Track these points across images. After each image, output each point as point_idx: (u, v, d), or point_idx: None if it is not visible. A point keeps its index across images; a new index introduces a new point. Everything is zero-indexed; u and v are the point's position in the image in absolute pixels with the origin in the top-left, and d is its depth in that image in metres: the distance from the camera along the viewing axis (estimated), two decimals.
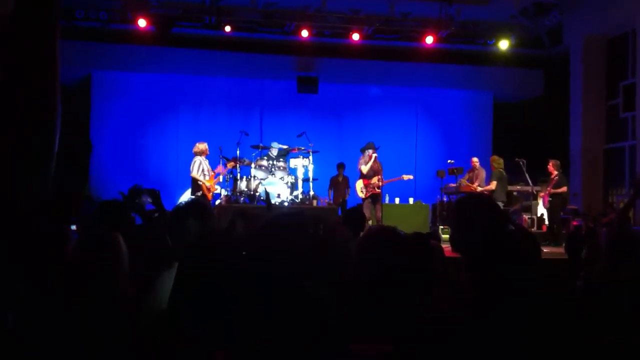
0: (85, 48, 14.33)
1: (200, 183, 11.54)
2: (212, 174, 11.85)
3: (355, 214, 6.37)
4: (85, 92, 15.03)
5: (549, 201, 11.25)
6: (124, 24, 13.91)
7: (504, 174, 11.36)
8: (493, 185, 11.19)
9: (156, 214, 5.00)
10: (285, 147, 12.38)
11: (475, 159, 12.04)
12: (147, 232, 4.46)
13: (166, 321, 2.85)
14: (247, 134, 12.64)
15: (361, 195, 11.35)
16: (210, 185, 11.68)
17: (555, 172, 11.24)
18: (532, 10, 14.15)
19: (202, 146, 11.81)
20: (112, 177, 14.28)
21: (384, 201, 12.32)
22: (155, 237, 3.82)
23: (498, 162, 11.46)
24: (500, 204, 10.76)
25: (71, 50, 14.01)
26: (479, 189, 11.48)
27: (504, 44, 14.42)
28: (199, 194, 11.31)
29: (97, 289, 2.66)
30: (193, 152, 11.83)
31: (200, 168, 11.57)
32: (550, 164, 11.30)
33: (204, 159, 11.77)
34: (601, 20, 13.29)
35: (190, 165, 11.70)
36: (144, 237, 4.28)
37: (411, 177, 11.46)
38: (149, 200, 5.19)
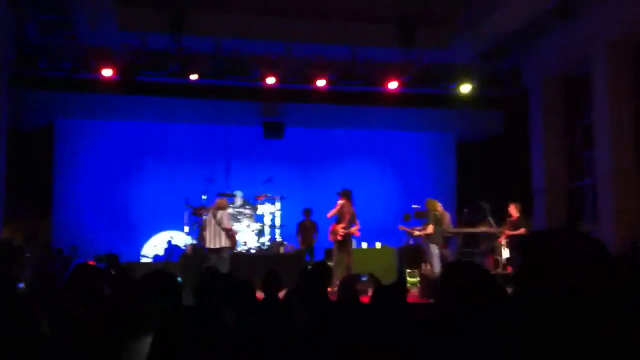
0: (49, 97, 14.32)
1: (232, 233, 11.21)
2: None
3: (320, 268, 6.38)
4: (48, 139, 14.92)
5: (507, 243, 11.39)
6: (88, 72, 13.85)
7: (439, 216, 11.43)
8: (430, 228, 11.23)
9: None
10: (248, 203, 12.28)
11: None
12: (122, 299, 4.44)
13: None
14: (213, 180, 12.63)
15: (330, 239, 11.39)
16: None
17: (516, 214, 11.41)
18: (491, 53, 14.50)
19: (223, 201, 11.41)
20: (77, 222, 14.14)
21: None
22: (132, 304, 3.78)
23: (433, 204, 11.48)
24: (436, 247, 10.93)
25: (34, 99, 13.99)
26: (416, 233, 11.69)
27: (465, 88, 14.72)
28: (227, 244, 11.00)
29: None
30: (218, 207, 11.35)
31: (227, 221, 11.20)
32: (511, 206, 11.46)
33: (228, 214, 11.42)
34: (558, 60, 13.67)
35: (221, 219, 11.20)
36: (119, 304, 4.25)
37: (358, 233, 11.45)
38: (107, 264, 5.18)
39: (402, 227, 12.45)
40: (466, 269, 2.52)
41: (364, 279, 10.32)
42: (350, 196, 11.25)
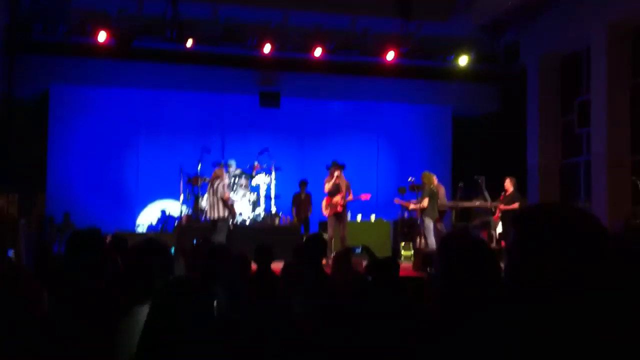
0: (44, 62, 14.14)
1: (230, 203, 11.10)
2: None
3: (315, 240, 6.41)
4: (43, 106, 14.79)
5: (501, 217, 11.42)
6: (83, 37, 13.69)
7: (435, 190, 11.40)
8: (425, 202, 11.22)
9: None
10: (244, 173, 12.23)
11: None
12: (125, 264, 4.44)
13: None
14: (209, 151, 12.59)
15: (325, 213, 11.38)
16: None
17: (511, 189, 11.43)
18: (490, 28, 14.42)
19: (220, 171, 11.28)
20: (71, 192, 14.10)
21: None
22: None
23: (429, 178, 11.42)
24: (431, 221, 10.96)
25: (29, 65, 13.82)
26: (411, 206, 11.68)
27: (463, 60, 14.66)
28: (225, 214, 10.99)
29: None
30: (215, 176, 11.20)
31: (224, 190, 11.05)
32: (507, 180, 11.47)
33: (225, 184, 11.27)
34: (557, 38, 13.61)
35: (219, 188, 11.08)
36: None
37: (368, 196, 11.51)
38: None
39: (397, 201, 12.47)
40: (464, 240, 2.53)
41: (358, 251, 10.38)
42: (340, 166, 11.25)
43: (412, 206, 11.69)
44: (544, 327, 1.41)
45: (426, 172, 11.56)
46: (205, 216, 11.09)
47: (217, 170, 11.13)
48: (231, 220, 11.15)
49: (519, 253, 1.49)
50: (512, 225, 1.54)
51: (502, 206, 11.39)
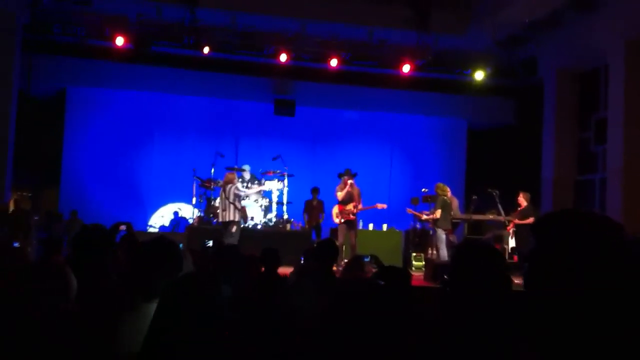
0: (62, 63, 14.27)
1: (240, 206, 11.13)
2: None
3: (328, 245, 6.38)
4: (60, 106, 14.92)
5: (514, 232, 11.32)
6: (101, 40, 13.82)
7: (448, 202, 11.32)
8: (437, 213, 11.14)
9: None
10: (256, 179, 12.25)
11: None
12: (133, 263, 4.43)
13: None
14: (222, 155, 12.63)
15: (336, 220, 11.32)
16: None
17: (525, 204, 11.34)
18: (507, 42, 14.39)
19: (232, 175, 11.37)
20: (84, 190, 14.18)
21: (358, 227, 12.34)
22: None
23: (443, 189, 11.32)
24: (443, 232, 10.87)
25: (47, 65, 13.95)
26: (424, 217, 11.62)
27: (479, 75, 14.64)
28: (236, 217, 10.98)
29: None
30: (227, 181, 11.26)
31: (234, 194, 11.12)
32: (520, 195, 11.39)
33: (236, 188, 11.31)
34: (574, 54, 13.57)
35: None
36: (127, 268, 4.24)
37: (385, 206, 11.47)
38: (124, 228, 5.19)
39: (410, 211, 12.41)
40: (480, 249, 2.51)
41: (367, 259, 10.30)
42: (352, 173, 11.21)
43: (424, 217, 11.63)
44: (568, 334, 1.36)
45: (440, 184, 11.48)
46: (217, 219, 11.12)
47: (229, 175, 11.20)
48: (242, 224, 11.16)
49: (539, 259, 1.44)
50: (532, 232, 1.47)
51: (516, 220, 11.29)
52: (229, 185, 10.90)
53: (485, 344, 2.17)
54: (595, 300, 1.35)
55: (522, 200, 11.39)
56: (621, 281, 1.36)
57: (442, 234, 10.93)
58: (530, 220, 11.19)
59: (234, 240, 10.16)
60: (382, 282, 5.18)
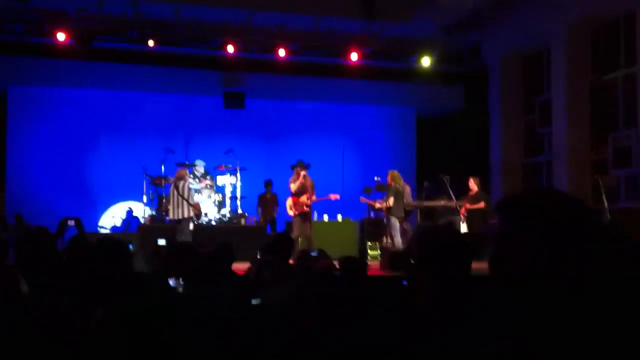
0: (1, 62, 13.82)
1: (192, 202, 11.00)
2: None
3: (283, 238, 6.36)
4: (1, 107, 14.45)
5: (466, 217, 11.50)
6: (42, 37, 13.42)
7: (401, 190, 11.43)
8: (390, 201, 11.23)
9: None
10: (208, 174, 12.12)
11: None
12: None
13: None
14: (172, 152, 12.45)
15: (290, 213, 11.29)
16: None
17: (476, 188, 11.55)
18: (453, 28, 14.54)
19: (183, 172, 11.24)
20: (32, 193, 13.79)
21: (313, 218, 12.34)
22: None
23: (395, 177, 11.45)
24: (397, 220, 10.99)
25: None
26: (377, 205, 11.71)
27: (426, 61, 14.77)
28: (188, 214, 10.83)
29: None
30: (176, 176, 11.17)
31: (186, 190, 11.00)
32: (471, 180, 11.58)
33: (187, 184, 11.20)
34: (518, 38, 13.82)
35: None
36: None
37: (337, 197, 11.50)
38: (72, 223, 5.07)
39: (363, 200, 12.47)
40: (445, 231, 2.52)
41: (314, 254, 10.29)
42: (305, 165, 11.18)
43: (378, 205, 11.71)
44: (543, 320, 1.29)
45: (392, 172, 11.56)
46: (169, 216, 10.97)
47: (180, 171, 11.06)
48: (196, 220, 11.05)
49: (506, 240, 1.36)
50: (497, 211, 1.39)
51: (468, 205, 11.48)
52: (182, 182, 10.77)
53: (455, 332, 2.17)
54: (571, 281, 1.28)
55: (473, 185, 11.59)
56: (598, 260, 1.29)
57: (395, 222, 11.05)
58: (482, 204, 11.40)
59: (187, 238, 10.05)
60: (337, 273, 5.21)
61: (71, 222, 4.46)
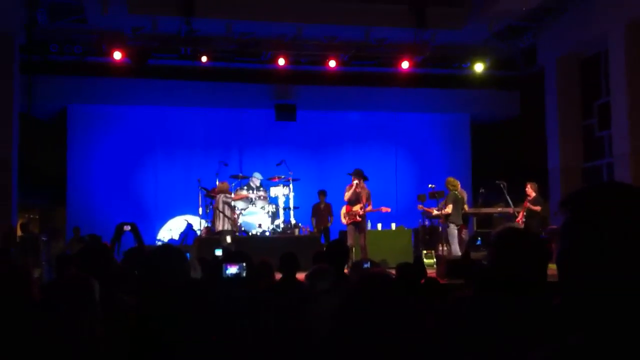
0: (61, 82, 14.30)
1: (229, 215, 11.34)
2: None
3: (337, 246, 6.30)
4: (61, 125, 14.92)
5: (524, 223, 11.16)
6: (99, 57, 13.83)
7: (459, 196, 11.18)
8: (449, 208, 11.00)
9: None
10: (261, 186, 12.31)
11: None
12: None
13: None
14: (226, 164, 12.60)
15: (344, 221, 11.22)
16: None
17: (533, 194, 11.26)
18: (506, 33, 14.33)
19: (223, 185, 11.61)
20: (92, 209, 14.16)
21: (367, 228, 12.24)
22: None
23: (453, 184, 11.15)
24: (455, 227, 10.73)
25: (46, 85, 13.97)
26: (435, 212, 11.48)
27: (479, 67, 14.58)
28: (226, 227, 11.14)
29: (68, 332, 2.59)
30: (216, 191, 11.64)
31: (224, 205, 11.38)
32: (528, 186, 11.30)
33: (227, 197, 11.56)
34: (574, 40, 13.49)
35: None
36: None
37: (389, 209, 11.34)
38: (128, 228, 5.17)
39: (420, 207, 12.26)
40: (522, 235, 2.46)
41: (366, 265, 10.19)
42: (363, 175, 11.09)
43: (435, 212, 11.48)
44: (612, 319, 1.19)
45: (450, 178, 11.34)
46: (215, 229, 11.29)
47: (220, 184, 11.38)
48: (235, 232, 11.31)
49: (573, 236, 1.28)
50: (562, 208, 1.31)
51: (527, 204, 11.11)
52: (219, 195, 11.07)
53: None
54: None
55: (530, 191, 11.30)
56: None
57: (454, 230, 10.80)
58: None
59: (231, 248, 10.14)
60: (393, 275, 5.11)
61: (127, 228, 4.54)
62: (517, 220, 11.23)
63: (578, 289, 1.26)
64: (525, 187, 11.36)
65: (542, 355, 1.20)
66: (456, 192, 11.04)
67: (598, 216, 1.26)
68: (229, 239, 10.77)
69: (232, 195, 11.74)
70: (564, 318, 1.54)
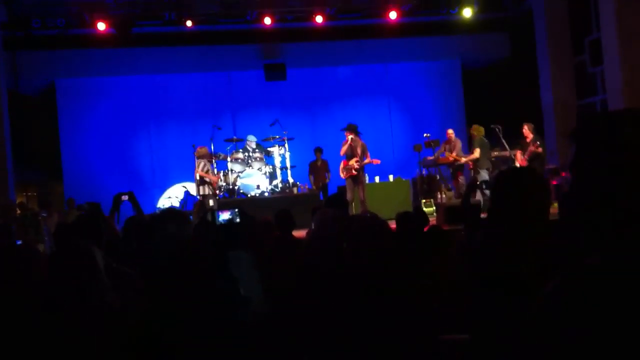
0: (46, 57, 14.14)
1: (208, 180, 11.52)
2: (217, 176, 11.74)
3: (336, 196, 6.31)
4: (51, 100, 14.80)
5: (528, 165, 11.13)
6: (82, 28, 13.65)
7: (485, 141, 11.25)
8: (477, 153, 11.07)
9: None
10: (260, 147, 12.31)
11: (450, 131, 12.01)
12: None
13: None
14: (219, 128, 12.54)
15: (342, 175, 11.28)
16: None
17: (531, 135, 11.23)
18: None
19: (202, 150, 11.73)
20: (89, 182, 14.14)
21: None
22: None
23: (479, 130, 11.27)
24: (485, 172, 10.74)
25: (32, 60, 13.83)
26: (464, 159, 11.45)
27: (467, 12, 14.39)
28: (206, 192, 11.21)
29: (75, 301, 2.61)
30: (195, 156, 11.75)
31: (205, 168, 11.56)
32: (525, 127, 11.26)
33: (207, 161, 11.66)
34: None
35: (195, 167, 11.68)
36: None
37: (378, 161, 11.30)
38: (126, 198, 5.17)
39: (446, 154, 11.76)
40: (526, 174, 2.47)
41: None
42: (357, 130, 11.08)
43: (463, 159, 11.43)
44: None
45: (475, 125, 11.43)
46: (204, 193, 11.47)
47: (198, 149, 11.59)
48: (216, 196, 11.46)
49: (585, 169, 1.24)
50: (571, 138, 1.28)
51: (532, 148, 11.05)
52: (197, 161, 11.29)
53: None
54: None
55: (527, 132, 11.26)
56: None
57: (485, 174, 10.82)
58: (541, 150, 11.09)
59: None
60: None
61: (125, 197, 4.52)
62: (521, 163, 11.12)
63: (590, 216, 1.24)
64: (521, 128, 11.33)
65: (561, 278, 1.19)
66: (482, 137, 11.12)
67: (612, 143, 1.21)
68: (211, 202, 10.92)
69: (252, 156, 11.92)
70: (576, 246, 1.53)
